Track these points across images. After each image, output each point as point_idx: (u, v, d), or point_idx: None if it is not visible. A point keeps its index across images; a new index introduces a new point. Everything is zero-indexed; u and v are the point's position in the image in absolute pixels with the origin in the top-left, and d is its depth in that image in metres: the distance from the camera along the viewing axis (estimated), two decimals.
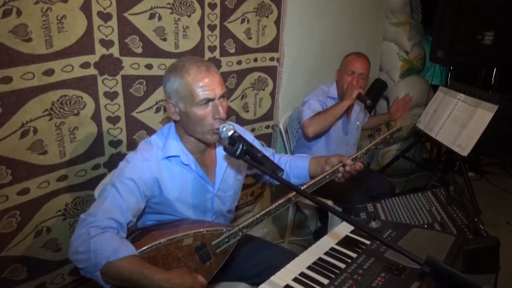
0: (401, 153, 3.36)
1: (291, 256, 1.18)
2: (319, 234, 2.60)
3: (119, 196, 1.15)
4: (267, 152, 1.54)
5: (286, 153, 2.45)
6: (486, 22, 3.04)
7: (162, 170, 1.25)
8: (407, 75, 3.41)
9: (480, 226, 1.49)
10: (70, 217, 1.62)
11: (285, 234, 2.56)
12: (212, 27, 1.95)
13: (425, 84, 3.51)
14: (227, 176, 1.40)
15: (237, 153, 1.12)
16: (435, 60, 3.26)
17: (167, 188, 1.26)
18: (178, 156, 1.27)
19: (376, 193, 2.14)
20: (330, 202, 2.20)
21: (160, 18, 1.72)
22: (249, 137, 1.47)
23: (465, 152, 2.24)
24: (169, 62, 1.75)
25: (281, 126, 2.43)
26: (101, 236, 1.06)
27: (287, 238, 2.54)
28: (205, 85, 1.18)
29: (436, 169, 3.21)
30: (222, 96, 1.23)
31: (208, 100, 1.20)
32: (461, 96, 2.48)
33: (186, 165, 1.29)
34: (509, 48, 3.11)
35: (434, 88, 3.10)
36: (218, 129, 1.21)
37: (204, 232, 1.20)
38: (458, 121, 2.40)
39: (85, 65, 1.53)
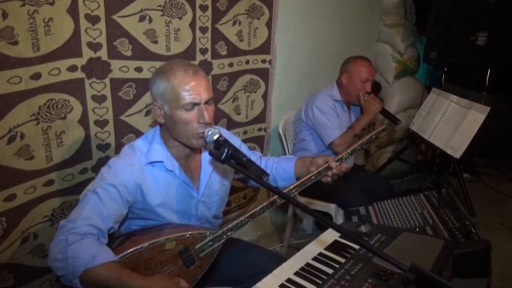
0: (396, 154, 3.35)
1: (279, 259, 1.17)
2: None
3: (100, 202, 1.13)
4: (254, 156, 1.53)
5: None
6: (479, 23, 3.04)
7: (145, 176, 1.23)
8: (401, 77, 3.41)
9: (472, 229, 1.47)
10: (57, 222, 1.59)
11: (278, 236, 2.54)
12: (203, 29, 1.93)
13: (419, 85, 3.51)
14: (212, 182, 1.38)
15: (223, 157, 1.11)
16: (428, 61, 3.26)
17: (150, 194, 1.25)
18: (162, 161, 1.25)
19: (376, 195, 2.11)
20: (334, 206, 2.19)
21: (150, 20, 1.70)
22: (236, 141, 1.45)
23: (457, 154, 2.23)
24: (159, 65, 1.72)
25: (280, 130, 2.42)
26: (79, 243, 1.05)
27: (286, 242, 2.50)
28: (191, 88, 1.17)
29: (431, 170, 3.20)
30: (208, 101, 1.21)
31: (194, 105, 1.18)
32: (454, 97, 2.48)
33: (170, 171, 1.27)
34: (502, 49, 3.11)
35: (429, 90, 3.10)
36: (203, 133, 1.20)
37: (187, 235, 1.19)
38: (451, 123, 2.39)
39: (72, 68, 1.51)
